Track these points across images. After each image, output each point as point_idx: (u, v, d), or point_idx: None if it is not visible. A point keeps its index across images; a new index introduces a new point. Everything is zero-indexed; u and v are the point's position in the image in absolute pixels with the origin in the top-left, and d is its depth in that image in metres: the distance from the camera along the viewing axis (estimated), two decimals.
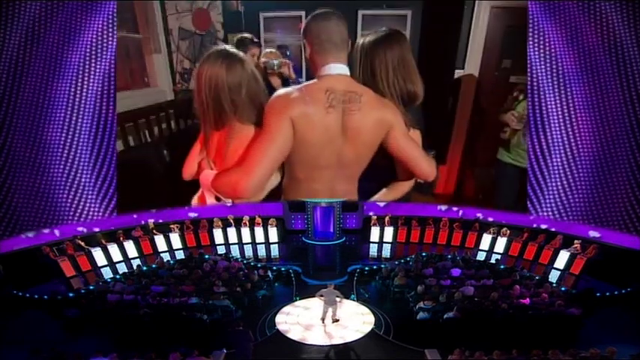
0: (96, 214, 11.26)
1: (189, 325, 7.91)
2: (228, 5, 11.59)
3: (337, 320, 8.44)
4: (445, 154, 11.41)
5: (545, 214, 11.02)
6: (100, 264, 10.64)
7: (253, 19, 11.27)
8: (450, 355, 6.82)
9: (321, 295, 8.33)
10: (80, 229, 11.05)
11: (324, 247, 12.13)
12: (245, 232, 12.07)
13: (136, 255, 11.15)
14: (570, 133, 10.75)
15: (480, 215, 11.76)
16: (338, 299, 8.34)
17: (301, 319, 8.59)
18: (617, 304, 8.78)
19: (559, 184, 10.80)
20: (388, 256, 11.44)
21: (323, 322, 8.38)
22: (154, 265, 10.25)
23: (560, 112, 10.71)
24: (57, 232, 10.80)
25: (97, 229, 11.20)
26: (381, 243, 12.05)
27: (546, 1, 10.22)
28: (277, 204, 12.24)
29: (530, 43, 10.26)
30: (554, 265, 10.41)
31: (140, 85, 11.88)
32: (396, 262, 10.22)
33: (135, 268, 10.27)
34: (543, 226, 11.09)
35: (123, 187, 10.49)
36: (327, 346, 7.84)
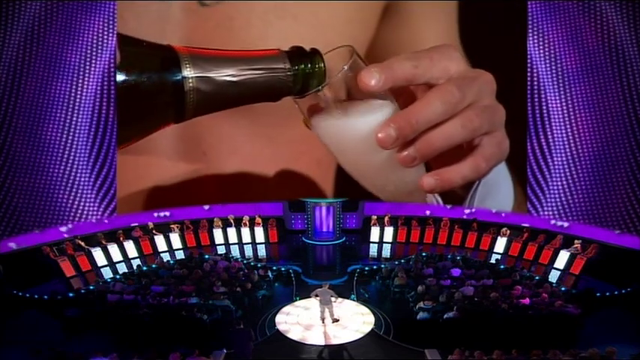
0: (95, 214, 11.26)
1: (189, 325, 7.90)
2: None
3: (337, 320, 8.44)
4: None
5: (545, 214, 11.00)
6: (100, 264, 10.63)
7: None
8: (450, 355, 6.81)
9: (316, 295, 8.33)
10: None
11: (324, 247, 12.12)
12: (245, 232, 12.07)
13: (136, 255, 11.14)
14: (570, 133, 10.75)
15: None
16: (333, 299, 8.35)
17: (301, 319, 8.59)
18: (617, 304, 8.76)
19: (559, 184, 10.79)
20: (388, 256, 11.43)
21: (323, 322, 8.37)
22: (153, 265, 10.24)
23: (560, 112, 10.72)
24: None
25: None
26: (381, 243, 12.04)
27: (546, 0, 10.23)
28: (277, 204, 12.23)
29: (531, 43, 10.26)
30: (554, 265, 10.39)
31: None
32: (396, 262, 10.20)
33: (135, 268, 10.27)
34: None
35: None
36: (326, 346, 7.84)
